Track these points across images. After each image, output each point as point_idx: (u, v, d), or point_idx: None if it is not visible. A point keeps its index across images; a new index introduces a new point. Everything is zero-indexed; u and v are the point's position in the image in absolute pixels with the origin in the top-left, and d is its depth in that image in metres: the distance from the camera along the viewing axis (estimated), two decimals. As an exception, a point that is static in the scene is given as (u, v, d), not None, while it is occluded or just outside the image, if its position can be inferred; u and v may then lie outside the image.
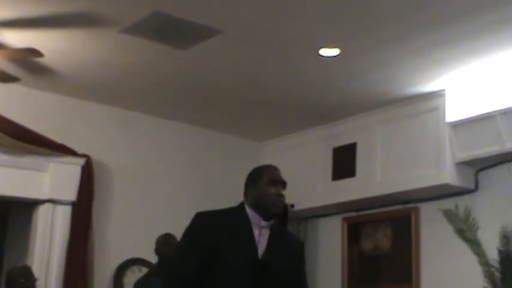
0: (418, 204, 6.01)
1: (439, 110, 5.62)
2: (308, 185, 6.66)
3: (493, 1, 4.21)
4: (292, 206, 6.51)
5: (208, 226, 3.10)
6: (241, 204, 3.21)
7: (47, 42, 4.98)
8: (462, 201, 5.18)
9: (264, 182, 3.18)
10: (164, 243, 5.17)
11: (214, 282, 3.03)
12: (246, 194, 3.22)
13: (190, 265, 3.06)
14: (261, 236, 3.11)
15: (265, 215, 3.13)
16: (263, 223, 3.13)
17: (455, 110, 5.52)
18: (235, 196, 7.02)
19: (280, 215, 3.18)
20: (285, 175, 7.26)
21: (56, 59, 5.30)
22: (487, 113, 5.29)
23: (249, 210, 3.16)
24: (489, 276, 4.76)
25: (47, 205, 5.89)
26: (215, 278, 3.03)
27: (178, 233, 5.38)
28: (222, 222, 3.12)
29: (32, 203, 5.94)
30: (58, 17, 4.62)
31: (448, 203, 5.32)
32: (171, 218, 6.39)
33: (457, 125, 5.50)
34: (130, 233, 6.21)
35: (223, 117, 6.60)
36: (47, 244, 5.85)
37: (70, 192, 5.93)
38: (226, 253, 3.02)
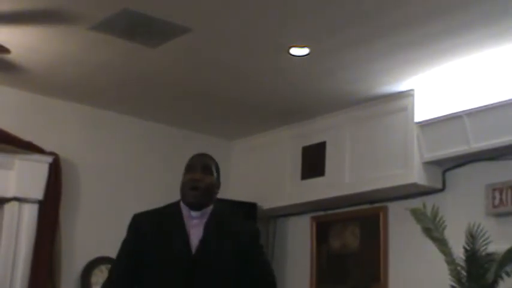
0: (386, 204, 6.05)
1: (408, 110, 5.66)
2: (277, 184, 6.67)
3: (463, 2, 4.25)
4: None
5: (137, 227, 3.12)
6: (178, 200, 3.18)
7: (14, 38, 4.91)
8: (430, 201, 5.21)
9: (184, 172, 3.16)
10: None
11: (147, 282, 3.01)
12: None
13: (119, 268, 3.11)
14: (194, 228, 3.06)
15: (187, 205, 3.09)
16: (193, 213, 3.09)
17: (423, 110, 5.57)
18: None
19: (199, 202, 3.08)
20: (254, 174, 7.28)
21: (23, 55, 5.24)
22: (454, 113, 5.35)
23: (181, 204, 3.14)
24: (455, 274, 4.80)
25: (13, 203, 5.82)
26: (148, 278, 3.01)
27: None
28: (152, 221, 3.12)
29: (-2, 200, 5.87)
30: (25, 13, 4.56)
31: (416, 202, 5.35)
32: (140, 216, 6.37)
33: (425, 125, 5.55)
34: (98, 231, 6.16)
35: (193, 116, 6.58)
36: (13, 243, 5.77)
37: (37, 190, 5.86)
38: (156, 252, 3.01)
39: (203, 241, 3.03)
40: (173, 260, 3.00)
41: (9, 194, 5.80)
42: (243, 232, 3.20)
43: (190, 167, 3.13)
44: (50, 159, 5.94)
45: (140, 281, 3.05)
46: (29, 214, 5.85)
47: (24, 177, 5.84)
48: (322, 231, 6.51)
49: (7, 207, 5.83)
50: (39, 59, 5.34)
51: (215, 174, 3.21)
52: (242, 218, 3.51)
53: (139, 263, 3.04)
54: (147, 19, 4.62)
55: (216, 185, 3.21)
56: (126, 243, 3.16)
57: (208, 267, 3.01)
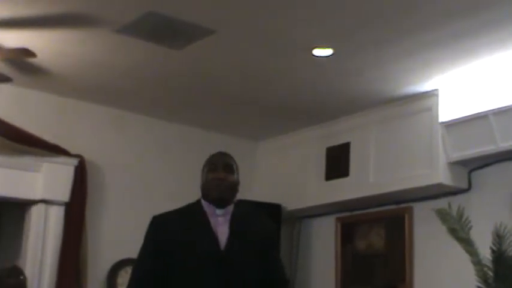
0: (412, 204, 6.02)
1: (433, 110, 5.63)
2: (301, 184, 6.67)
3: (487, 1, 4.22)
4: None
5: (159, 227, 3.13)
6: (198, 199, 3.22)
7: (40, 42, 4.96)
8: (455, 201, 5.19)
9: (205, 170, 3.20)
10: None
11: (176, 280, 3.00)
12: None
13: (142, 270, 3.09)
14: (220, 226, 3.08)
15: (212, 202, 3.12)
16: (218, 211, 3.11)
17: (448, 110, 5.54)
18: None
19: (225, 198, 3.13)
20: (279, 175, 7.28)
21: (49, 59, 5.29)
22: (480, 112, 5.31)
23: (204, 203, 3.16)
24: (482, 275, 4.77)
25: (40, 205, 5.88)
26: (175, 278, 3.00)
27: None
28: (176, 220, 3.13)
29: (25, 203, 5.92)
30: (51, 17, 4.61)
31: (441, 203, 5.32)
32: (165, 218, 6.40)
33: (450, 125, 5.51)
34: (124, 233, 6.19)
35: (218, 117, 6.60)
36: (40, 245, 5.83)
37: (63, 192, 5.91)
38: (183, 251, 3.00)
39: (230, 238, 3.05)
40: (202, 258, 3.01)
41: (37, 197, 5.86)
42: (264, 231, 3.25)
43: (212, 166, 3.18)
44: (75, 161, 5.99)
45: (165, 281, 3.03)
46: (56, 216, 5.90)
47: (50, 179, 5.89)
48: (347, 232, 6.49)
49: (34, 209, 5.89)
50: (65, 62, 5.39)
51: (236, 173, 3.25)
52: (261, 215, 3.51)
53: (164, 263, 3.03)
54: (172, 21, 4.65)
55: (238, 184, 3.26)
56: (148, 244, 3.15)
57: (235, 264, 3.03)
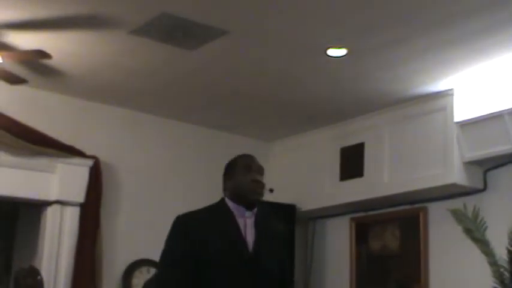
0: (426, 204, 6.00)
1: (447, 110, 5.61)
2: (316, 185, 6.66)
3: (501, 0, 4.20)
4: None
5: (185, 228, 3.02)
6: (221, 200, 3.15)
7: (55, 44, 4.99)
8: (470, 201, 5.17)
9: (238, 171, 3.13)
10: None
11: (206, 281, 2.93)
12: (224, 188, 3.16)
13: (185, 267, 2.94)
14: (247, 227, 3.05)
15: (245, 204, 3.07)
16: (247, 213, 3.08)
17: (463, 110, 5.51)
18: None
19: (260, 201, 3.12)
20: (292, 175, 7.28)
21: (64, 60, 5.32)
22: (495, 112, 5.28)
23: (229, 203, 3.10)
24: (498, 276, 4.75)
25: (55, 206, 5.91)
26: (207, 277, 2.94)
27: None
28: (202, 221, 3.05)
29: (41, 204, 5.95)
30: (66, 19, 4.63)
31: (457, 203, 5.30)
32: (179, 218, 6.42)
33: (465, 125, 5.49)
34: (139, 233, 6.22)
35: (231, 118, 6.61)
36: (56, 245, 5.86)
37: (78, 193, 5.94)
38: (215, 249, 2.95)
39: (257, 241, 3.04)
40: (233, 259, 2.98)
41: (52, 198, 5.89)
42: (280, 231, 3.29)
43: (247, 168, 3.13)
44: (90, 162, 6.01)
45: (196, 281, 2.95)
46: (71, 217, 5.93)
47: (65, 180, 5.92)
48: (362, 233, 6.48)
49: (50, 210, 5.92)
50: (80, 63, 5.42)
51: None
52: (272, 215, 3.50)
53: (196, 263, 2.94)
54: (185, 22, 4.66)
55: None
56: (180, 244, 3.00)
57: (263, 265, 3.03)
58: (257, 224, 3.08)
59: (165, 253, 3.07)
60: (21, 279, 4.86)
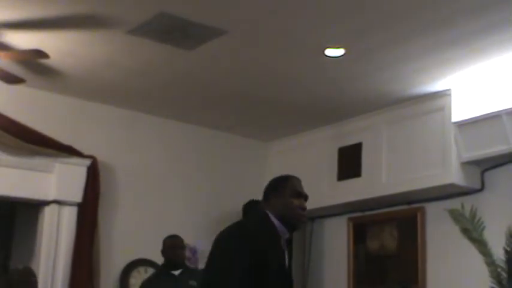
0: (424, 204, 6.00)
1: (445, 110, 5.61)
2: (314, 185, 6.60)
3: (499, 0, 4.20)
4: None
5: (254, 239, 2.98)
6: (265, 215, 3.11)
7: (53, 44, 4.99)
8: (468, 201, 5.18)
9: (288, 193, 3.13)
10: (171, 246, 5.18)
11: None
12: (268, 202, 3.14)
13: (248, 279, 2.89)
14: (284, 246, 3.10)
15: (289, 227, 3.09)
16: (287, 235, 3.11)
17: (461, 110, 5.52)
18: (242, 196, 7.08)
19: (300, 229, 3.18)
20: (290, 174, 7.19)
21: (62, 60, 5.32)
22: (493, 112, 5.29)
23: (275, 221, 3.09)
24: (495, 276, 4.76)
25: (53, 206, 5.91)
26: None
27: (184, 234, 5.43)
28: (264, 239, 3.01)
29: (38, 204, 5.94)
30: (64, 18, 4.63)
31: (454, 203, 5.31)
32: (178, 218, 6.42)
33: (462, 125, 5.49)
34: (136, 233, 6.22)
35: (230, 118, 6.61)
36: (53, 245, 5.86)
37: (76, 193, 5.94)
38: (269, 271, 2.93)
39: (289, 264, 3.12)
40: (283, 280, 3.03)
41: (50, 197, 5.89)
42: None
43: (297, 193, 3.15)
44: (88, 162, 6.01)
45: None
46: (69, 216, 5.93)
47: (63, 180, 5.92)
48: (360, 232, 6.48)
49: (47, 210, 5.91)
50: (77, 63, 5.42)
51: None
52: None
53: (255, 275, 2.91)
54: (184, 22, 4.66)
55: None
56: (242, 259, 2.91)
57: (292, 282, 3.12)
58: (287, 248, 3.12)
59: (234, 265, 2.95)
60: (15, 280, 4.85)
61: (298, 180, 3.23)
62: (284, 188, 3.15)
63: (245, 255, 2.91)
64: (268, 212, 3.11)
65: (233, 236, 3.03)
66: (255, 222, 3.13)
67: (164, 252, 5.22)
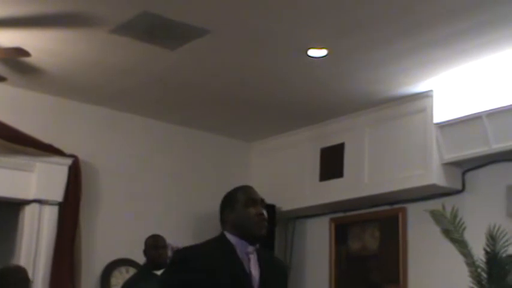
0: (405, 205, 6.03)
1: (427, 111, 5.64)
2: (296, 185, 6.67)
3: (481, 2, 4.23)
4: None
5: (186, 264, 2.83)
6: (221, 234, 2.96)
7: (35, 42, 4.96)
8: (449, 202, 5.20)
9: (241, 204, 2.94)
10: (153, 246, 5.14)
11: None
12: (223, 220, 2.98)
13: None
14: (251, 264, 2.90)
15: (249, 239, 2.91)
16: (250, 248, 2.91)
17: (442, 111, 5.55)
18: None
19: (264, 236, 2.94)
20: (273, 175, 7.28)
21: (44, 58, 5.28)
22: (474, 114, 5.33)
23: (231, 237, 2.92)
24: (476, 276, 4.78)
25: (34, 205, 5.87)
26: None
27: (165, 234, 5.41)
28: (204, 257, 2.85)
29: (19, 203, 5.90)
30: (46, 17, 4.60)
31: (435, 204, 5.34)
32: (159, 218, 6.40)
33: (444, 126, 5.53)
34: (118, 233, 6.19)
35: (212, 118, 6.60)
36: (34, 244, 5.82)
37: (57, 192, 5.90)
38: (217, 284, 2.79)
39: (263, 278, 2.90)
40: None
41: (30, 196, 5.85)
42: (283, 271, 3.14)
43: (252, 201, 2.94)
44: (69, 161, 5.98)
45: None
46: (49, 216, 5.89)
47: (44, 179, 5.88)
48: (341, 233, 6.50)
49: (28, 209, 5.87)
50: (59, 62, 5.38)
51: None
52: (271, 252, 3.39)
53: None
54: (166, 21, 4.64)
55: None
56: (174, 279, 2.85)
57: None
58: (260, 260, 2.93)
59: (163, 286, 2.95)
60: (17, 278, 4.78)
61: (249, 187, 3.04)
62: (235, 201, 2.96)
63: (175, 280, 2.84)
64: (225, 231, 2.95)
65: (172, 257, 3.02)
66: (197, 246, 2.99)
67: (146, 252, 5.19)
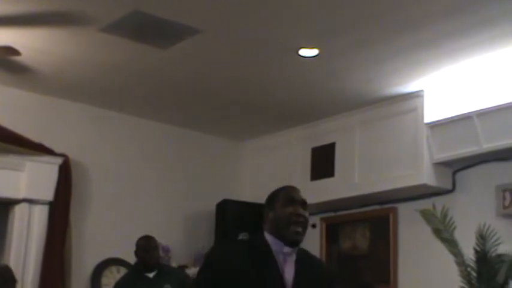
0: (396, 205, 6.04)
1: (418, 111, 5.65)
2: (286, 184, 6.64)
3: (472, 2, 4.24)
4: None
5: (221, 264, 2.77)
6: (260, 233, 2.88)
7: (25, 41, 4.93)
8: (440, 202, 5.21)
9: (280, 203, 2.86)
10: (144, 247, 5.10)
11: None
12: (264, 220, 2.90)
13: None
14: (286, 265, 2.81)
15: (285, 239, 2.81)
16: (286, 249, 2.81)
17: (433, 111, 5.56)
18: (215, 195, 7.05)
19: (302, 238, 2.84)
20: (264, 175, 7.27)
21: (34, 57, 5.26)
22: (465, 113, 5.34)
23: (268, 237, 2.84)
24: (465, 276, 4.80)
25: (24, 205, 5.84)
26: None
27: (156, 233, 5.40)
28: (239, 258, 2.77)
29: (8, 202, 5.88)
30: (36, 15, 4.58)
31: (426, 203, 5.35)
32: (150, 217, 6.39)
33: (435, 126, 5.54)
34: (108, 232, 6.17)
35: (203, 117, 6.59)
36: (24, 244, 5.80)
37: (47, 191, 5.88)
38: (248, 286, 2.72)
39: (297, 281, 2.81)
40: None
41: (20, 196, 5.82)
42: (327, 276, 3.05)
43: (290, 200, 2.86)
44: (60, 160, 5.96)
45: None
46: (40, 215, 5.87)
47: (34, 178, 5.86)
48: (332, 232, 6.50)
49: (18, 208, 5.85)
50: (50, 60, 5.36)
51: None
52: (320, 258, 3.24)
53: None
54: (157, 21, 4.63)
55: None
56: (206, 284, 2.78)
57: None
58: (298, 263, 2.84)
59: (195, 285, 2.92)
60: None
61: (291, 187, 2.96)
62: (276, 200, 2.88)
63: (209, 281, 2.78)
64: (264, 230, 2.87)
65: (206, 255, 2.98)
66: (234, 244, 2.98)
67: (137, 253, 5.16)
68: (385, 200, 6.07)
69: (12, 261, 5.70)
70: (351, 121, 6.20)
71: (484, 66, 5.13)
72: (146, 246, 5.10)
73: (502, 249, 4.74)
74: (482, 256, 4.72)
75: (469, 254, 4.78)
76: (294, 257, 2.84)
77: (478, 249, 4.74)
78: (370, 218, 6.22)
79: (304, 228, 2.85)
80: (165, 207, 6.57)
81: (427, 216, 4.95)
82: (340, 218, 6.47)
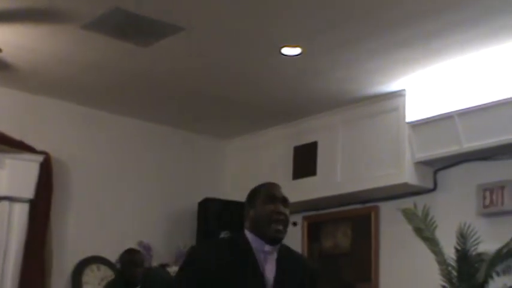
0: (378, 204, 6.06)
1: (399, 110, 5.67)
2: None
3: (454, 2, 4.26)
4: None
5: (200, 263, 2.75)
6: (241, 231, 2.85)
7: (6, 37, 4.89)
8: (421, 201, 5.24)
9: (260, 201, 2.83)
10: (129, 262, 4.92)
11: None
12: (245, 216, 2.87)
13: None
14: (267, 264, 2.78)
15: (265, 237, 2.78)
16: (267, 247, 2.79)
17: (415, 110, 5.59)
18: (197, 194, 7.03)
19: (283, 236, 2.80)
20: (246, 173, 7.27)
21: (15, 54, 5.22)
22: (446, 113, 5.37)
23: (249, 236, 2.81)
24: (446, 274, 4.83)
25: (4, 202, 5.81)
26: None
27: (138, 232, 5.39)
28: (219, 256, 2.75)
29: (-11, 200, 5.84)
30: (17, 12, 4.54)
31: (407, 202, 5.37)
32: (131, 216, 6.37)
33: (416, 125, 5.56)
34: (89, 231, 6.15)
35: (185, 115, 6.57)
36: (3, 242, 5.76)
37: (28, 189, 5.84)
38: (228, 284, 2.70)
39: (278, 280, 2.78)
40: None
41: (0, 193, 5.78)
42: (310, 273, 2.98)
43: (271, 197, 2.83)
44: (41, 158, 5.92)
45: None
46: (20, 213, 5.83)
47: (15, 176, 5.82)
48: (314, 231, 6.51)
49: (-2, 206, 5.82)
50: (30, 57, 5.32)
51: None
52: (300, 253, 3.22)
53: None
54: (139, 18, 4.61)
55: None
56: (187, 283, 2.75)
57: None
58: (280, 260, 2.82)
59: (174, 285, 2.92)
60: None
61: (271, 184, 2.94)
62: (257, 197, 2.85)
63: (189, 280, 2.76)
64: (245, 228, 2.84)
65: (186, 254, 2.96)
66: (213, 243, 2.98)
67: (121, 267, 4.96)
68: (367, 199, 6.09)
69: (-8, 259, 5.67)
70: (333, 120, 6.21)
71: (466, 66, 5.16)
72: (131, 261, 4.91)
73: (482, 248, 4.77)
74: (462, 255, 4.75)
75: (450, 253, 4.81)
76: (275, 255, 2.81)
77: (458, 248, 4.77)
78: (352, 217, 6.24)
79: (285, 226, 2.82)
80: (147, 205, 6.54)
81: (409, 215, 4.97)
82: (322, 217, 6.48)
